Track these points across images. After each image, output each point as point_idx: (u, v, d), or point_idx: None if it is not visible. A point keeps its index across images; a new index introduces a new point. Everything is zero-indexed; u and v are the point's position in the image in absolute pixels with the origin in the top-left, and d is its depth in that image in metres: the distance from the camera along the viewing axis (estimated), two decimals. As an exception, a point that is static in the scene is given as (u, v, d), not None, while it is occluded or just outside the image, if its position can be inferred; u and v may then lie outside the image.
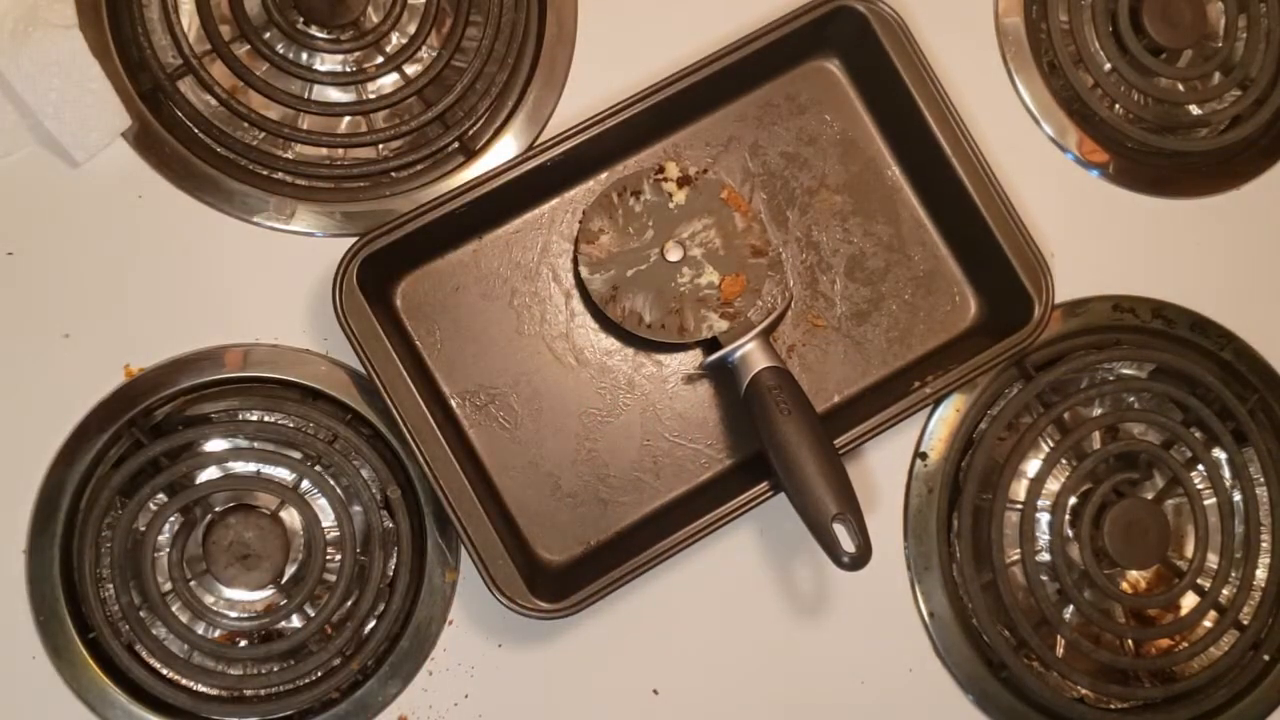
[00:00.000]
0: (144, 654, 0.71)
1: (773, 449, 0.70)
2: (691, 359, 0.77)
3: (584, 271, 0.75)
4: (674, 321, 0.75)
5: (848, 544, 0.68)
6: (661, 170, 0.77)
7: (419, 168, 0.78)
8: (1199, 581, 0.79)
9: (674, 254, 0.76)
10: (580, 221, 0.77)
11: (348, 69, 0.79)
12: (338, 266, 0.70)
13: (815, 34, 0.78)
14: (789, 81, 0.80)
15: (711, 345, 0.76)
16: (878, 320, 0.79)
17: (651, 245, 0.76)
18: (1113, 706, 0.78)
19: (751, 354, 0.73)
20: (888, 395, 0.76)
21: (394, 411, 0.70)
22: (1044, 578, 0.77)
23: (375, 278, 0.72)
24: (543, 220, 0.77)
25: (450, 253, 0.76)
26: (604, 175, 0.78)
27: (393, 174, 0.78)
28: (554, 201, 0.78)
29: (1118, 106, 0.85)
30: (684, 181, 0.76)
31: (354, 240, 0.71)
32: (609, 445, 0.76)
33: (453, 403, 0.75)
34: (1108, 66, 0.85)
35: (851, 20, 0.77)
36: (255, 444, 0.74)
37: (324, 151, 0.78)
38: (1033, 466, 0.80)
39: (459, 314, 0.76)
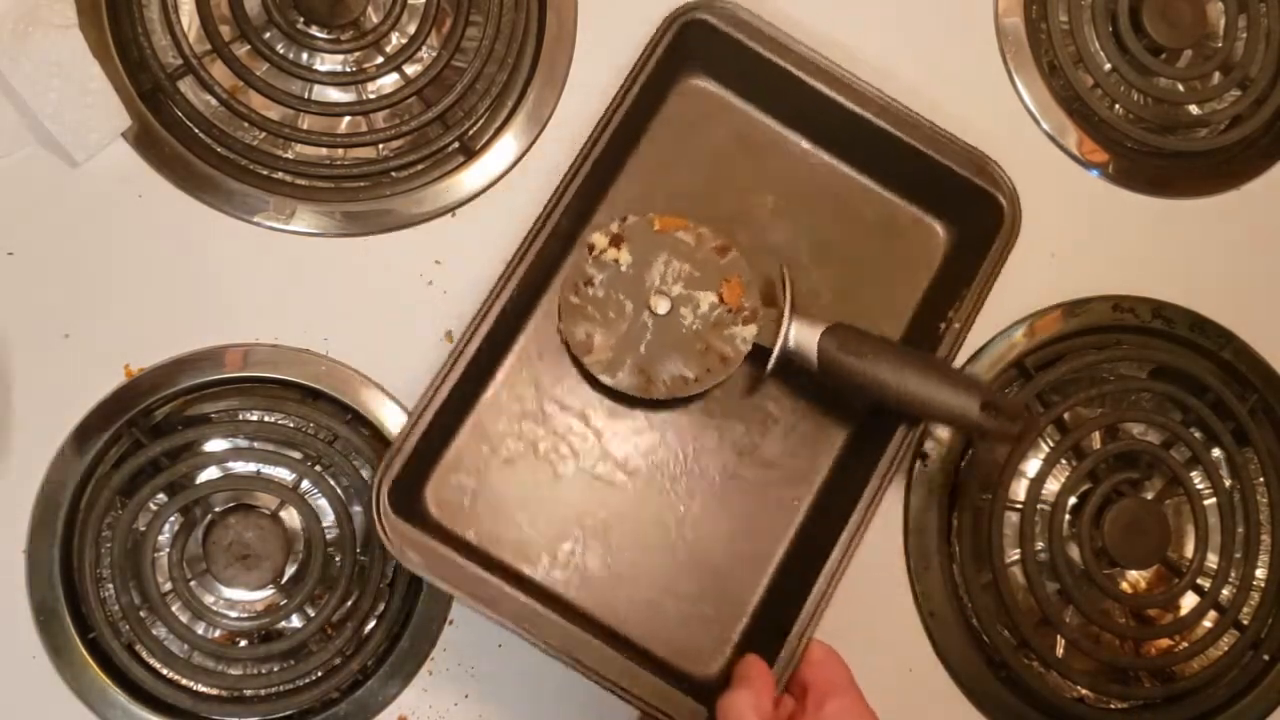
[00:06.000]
0: (144, 654, 0.71)
1: (883, 392, 0.70)
2: (733, 396, 0.76)
3: (607, 380, 0.73)
4: (713, 358, 0.73)
5: (1008, 425, 0.69)
6: (593, 248, 0.74)
7: (419, 168, 0.78)
8: (1199, 581, 0.79)
9: (662, 305, 0.74)
10: (565, 343, 0.74)
11: (348, 69, 0.79)
12: (373, 510, 0.67)
13: (669, 61, 0.76)
14: (666, 118, 0.79)
15: (758, 356, 0.74)
16: (863, 286, 0.78)
17: (638, 313, 0.74)
18: (1113, 706, 0.78)
19: (800, 332, 0.72)
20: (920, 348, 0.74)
21: (498, 621, 0.67)
22: (1044, 578, 0.77)
23: (404, 503, 0.69)
24: (521, 360, 0.75)
25: (454, 440, 0.73)
26: (552, 289, 0.76)
27: (393, 174, 0.78)
28: (521, 340, 0.75)
29: (1118, 106, 0.85)
30: (617, 241, 0.74)
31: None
32: (700, 531, 0.74)
33: (537, 576, 0.72)
34: (1108, 66, 0.85)
35: (698, 31, 0.75)
36: (255, 444, 0.74)
37: (324, 151, 0.78)
38: (1033, 466, 0.80)
39: (493, 491, 0.73)
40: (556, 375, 0.75)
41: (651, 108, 0.78)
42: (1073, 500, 0.79)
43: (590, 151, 0.73)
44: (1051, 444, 0.79)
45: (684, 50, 0.76)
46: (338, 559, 0.73)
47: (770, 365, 0.72)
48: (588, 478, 0.74)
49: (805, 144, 0.79)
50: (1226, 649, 0.79)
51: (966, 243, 0.78)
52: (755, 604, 0.73)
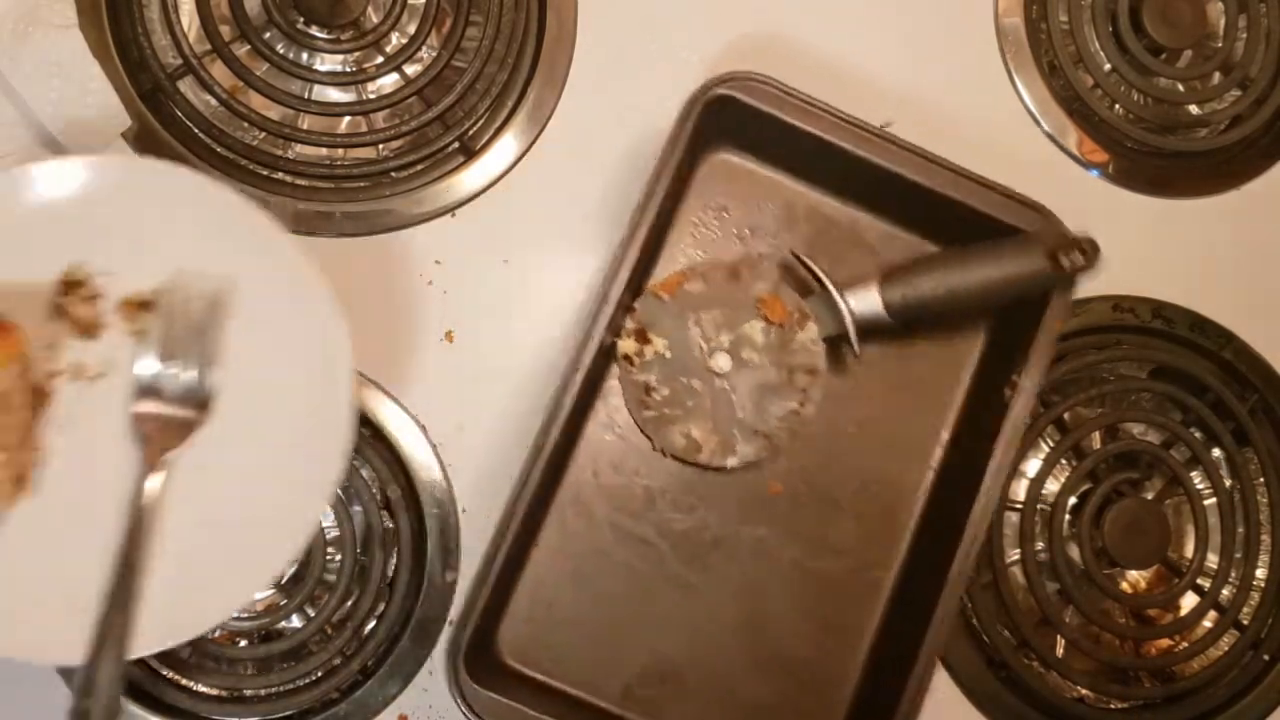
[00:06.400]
0: (144, 654, 0.71)
1: (962, 298, 0.71)
2: (798, 492, 0.74)
3: (732, 462, 0.72)
4: (801, 378, 0.72)
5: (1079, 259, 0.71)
6: (626, 355, 0.72)
7: (419, 168, 0.78)
8: (1198, 581, 0.79)
9: (723, 362, 0.72)
10: (671, 456, 0.72)
11: (348, 69, 0.79)
12: (454, 682, 0.66)
13: (696, 139, 0.73)
14: (697, 195, 0.76)
15: (836, 346, 0.74)
16: (916, 346, 0.76)
17: (708, 383, 0.72)
18: (1113, 706, 0.78)
19: (857, 300, 0.71)
20: (986, 408, 0.73)
21: None
22: (1044, 578, 0.77)
23: (480, 663, 0.68)
24: (579, 483, 0.73)
25: (519, 584, 0.72)
26: (603, 396, 0.73)
27: (393, 174, 0.78)
28: (579, 459, 0.73)
29: (1118, 106, 0.85)
30: (642, 335, 0.72)
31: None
32: (782, 629, 0.73)
33: (618, 707, 0.71)
34: (1108, 66, 0.85)
35: (725, 106, 0.72)
36: (255, 444, 0.74)
37: (324, 151, 0.78)
38: (1033, 466, 0.80)
39: (572, 622, 0.72)
40: (606, 487, 0.73)
41: (678, 192, 0.75)
42: (1072, 500, 0.79)
43: (624, 257, 0.70)
44: (1051, 444, 0.79)
45: (708, 128, 0.73)
46: (338, 559, 0.73)
47: (855, 344, 0.72)
48: (662, 584, 0.73)
49: (842, 205, 0.78)
50: (1226, 649, 0.79)
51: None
52: (851, 692, 0.73)
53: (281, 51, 0.77)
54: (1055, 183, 0.82)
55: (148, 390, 0.61)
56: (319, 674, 0.72)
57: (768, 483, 0.74)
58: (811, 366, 0.73)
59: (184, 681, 0.71)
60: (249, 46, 0.77)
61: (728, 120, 0.73)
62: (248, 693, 0.72)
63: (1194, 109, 0.86)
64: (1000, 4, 0.84)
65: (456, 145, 0.78)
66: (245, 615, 0.72)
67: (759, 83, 0.72)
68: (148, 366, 0.62)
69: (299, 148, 0.78)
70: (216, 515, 0.61)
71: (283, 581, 0.73)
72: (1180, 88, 0.86)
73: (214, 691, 0.71)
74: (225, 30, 0.76)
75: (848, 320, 0.72)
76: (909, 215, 0.77)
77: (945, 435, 0.76)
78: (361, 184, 0.77)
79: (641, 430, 0.73)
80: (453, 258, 0.77)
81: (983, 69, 0.83)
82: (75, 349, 0.62)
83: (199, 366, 0.62)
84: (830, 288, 0.72)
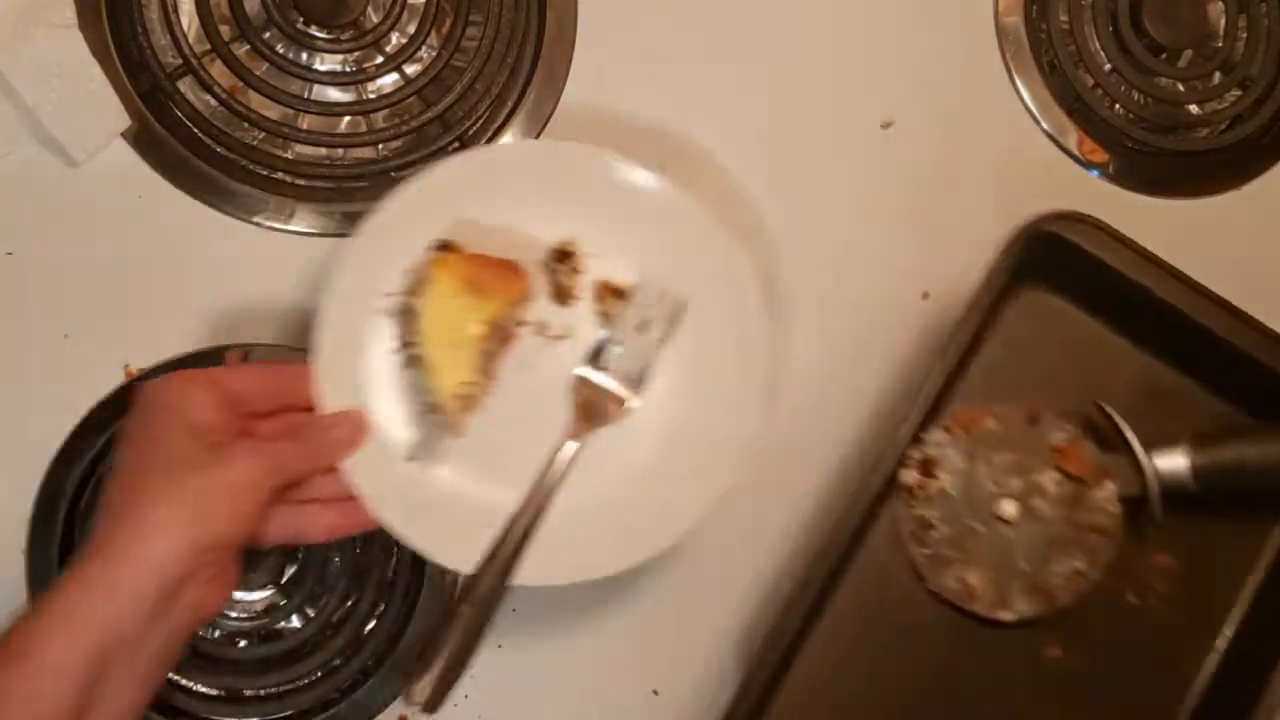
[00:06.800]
0: (144, 654, 0.71)
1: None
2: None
3: (1006, 616, 0.68)
4: (1091, 537, 0.68)
5: None
6: (909, 488, 0.68)
7: (419, 168, 0.78)
8: None
9: (1010, 509, 0.68)
10: (921, 572, 0.69)
11: (348, 69, 0.79)
12: None
13: (1014, 274, 0.70)
14: (1000, 329, 0.72)
15: (1136, 509, 0.69)
16: (1217, 520, 0.72)
17: (991, 529, 0.68)
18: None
19: (1163, 460, 0.67)
20: None
21: None
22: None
23: None
24: (841, 600, 0.70)
25: (773, 707, 0.69)
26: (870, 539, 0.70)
27: (393, 174, 0.78)
28: (845, 581, 0.70)
29: (1118, 106, 0.85)
30: (928, 468, 0.69)
31: None
32: None
33: None
34: (1108, 66, 0.85)
35: (1049, 244, 0.69)
36: (255, 444, 0.74)
37: (324, 151, 0.78)
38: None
39: None
40: (877, 627, 0.70)
41: (983, 324, 0.71)
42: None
43: (922, 388, 0.67)
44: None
45: (1028, 261, 0.70)
46: (337, 559, 0.73)
47: (1156, 509, 0.68)
48: None
49: (1153, 358, 0.74)
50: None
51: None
52: None
53: (281, 51, 0.77)
54: (1055, 183, 0.82)
55: (595, 362, 0.68)
56: (319, 674, 0.72)
57: (1041, 644, 0.70)
58: (1104, 527, 0.68)
59: (184, 681, 0.71)
60: (249, 46, 0.77)
61: (1047, 257, 0.70)
62: (247, 693, 0.72)
63: (1194, 109, 0.86)
64: (1000, 4, 0.84)
65: (456, 145, 0.78)
66: (245, 615, 0.72)
67: (1091, 225, 0.70)
68: (602, 344, 0.69)
69: (299, 148, 0.78)
70: (627, 479, 0.67)
71: (283, 582, 0.73)
72: (1180, 88, 0.86)
73: (214, 691, 0.71)
74: (225, 30, 0.76)
75: (1151, 482, 0.68)
76: (1229, 382, 0.73)
77: (1234, 621, 0.71)
78: (361, 184, 0.78)
79: (914, 567, 0.69)
80: (453, 258, 0.77)
81: (983, 69, 0.83)
82: (546, 309, 0.69)
83: (644, 361, 0.68)
84: (1135, 446, 0.68)
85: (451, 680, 0.63)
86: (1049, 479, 0.69)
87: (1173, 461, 0.68)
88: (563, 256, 0.69)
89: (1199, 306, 0.69)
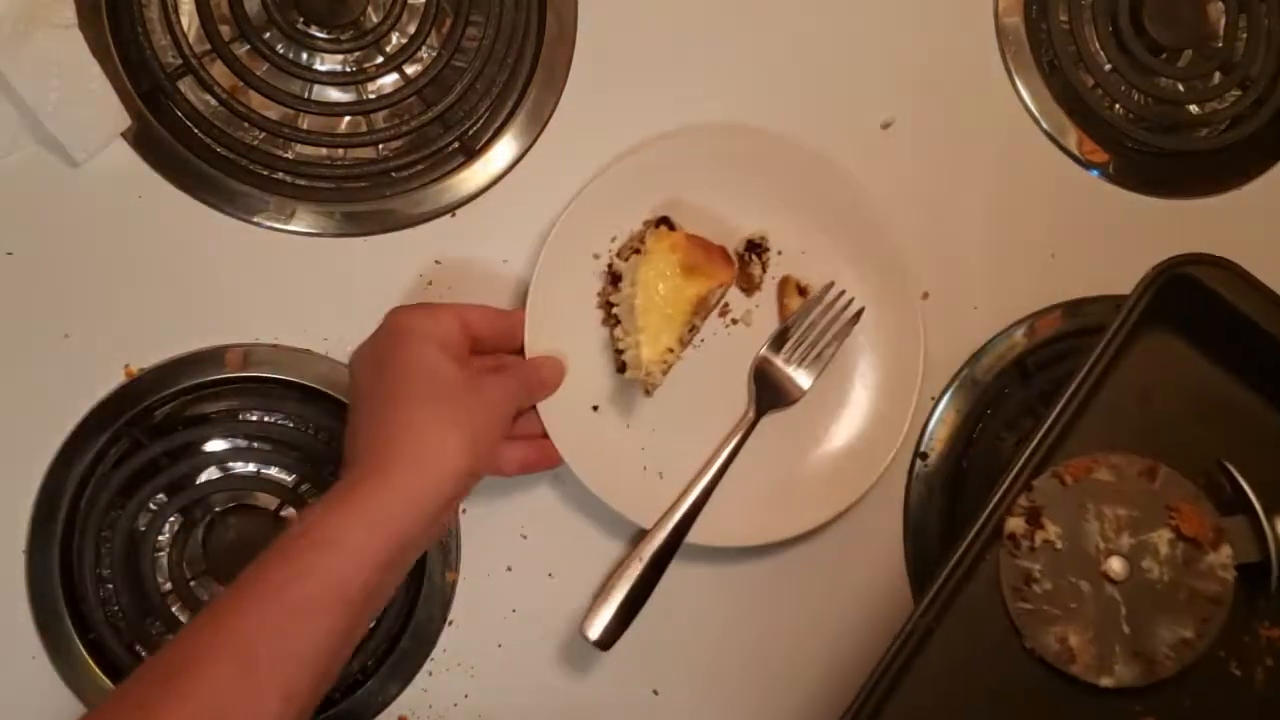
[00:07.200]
0: (144, 654, 0.71)
1: None
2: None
3: (1107, 682, 0.63)
4: (1202, 604, 0.63)
5: None
6: (1013, 536, 0.65)
7: (419, 168, 0.78)
8: None
9: (1119, 568, 0.64)
10: (1018, 627, 0.64)
11: (348, 69, 0.79)
12: None
13: (1143, 319, 0.66)
14: (1121, 374, 0.68)
15: (1247, 577, 0.64)
16: None
17: (1097, 588, 0.64)
18: None
19: None
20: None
21: None
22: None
23: None
24: (932, 652, 0.64)
25: None
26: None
27: (393, 174, 0.78)
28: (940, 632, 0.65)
29: (1118, 106, 0.85)
30: (1034, 516, 0.65)
31: None
32: None
33: None
34: (1108, 66, 0.85)
35: (1183, 287, 0.65)
36: (255, 444, 0.74)
37: (324, 151, 0.78)
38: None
39: None
40: (965, 685, 0.65)
41: (1105, 368, 0.67)
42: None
43: (1037, 431, 0.64)
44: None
45: (1159, 304, 0.67)
46: (338, 559, 0.73)
47: (1275, 581, 0.64)
48: None
49: (1277, 413, 0.69)
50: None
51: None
52: None
53: (281, 51, 0.77)
54: (1055, 183, 0.82)
55: (776, 348, 0.76)
56: (319, 674, 0.72)
57: (1140, 715, 0.65)
58: (1217, 595, 0.64)
59: (184, 681, 0.71)
60: (249, 46, 0.77)
61: (1181, 300, 0.66)
62: (248, 693, 0.72)
63: (1194, 109, 0.86)
64: (1000, 4, 0.84)
65: (456, 145, 0.78)
66: (245, 615, 0.72)
67: (1230, 270, 0.66)
68: (784, 332, 0.76)
69: (299, 148, 0.78)
70: (797, 455, 0.76)
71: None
72: (1180, 88, 0.86)
73: (214, 691, 0.71)
74: (225, 30, 0.76)
75: (1272, 549, 0.63)
76: None
77: None
78: (361, 184, 0.77)
79: (1011, 622, 0.65)
80: (453, 258, 0.77)
81: (983, 69, 0.83)
82: (730, 293, 0.76)
83: (820, 354, 0.75)
84: (1259, 509, 0.64)
85: (624, 624, 0.70)
86: (1162, 538, 0.64)
87: None
88: (755, 248, 0.76)
89: None
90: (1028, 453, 0.65)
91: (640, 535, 0.73)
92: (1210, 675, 0.65)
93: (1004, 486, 0.65)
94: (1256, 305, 0.66)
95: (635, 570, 0.70)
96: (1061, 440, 0.67)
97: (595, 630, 0.69)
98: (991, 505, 0.64)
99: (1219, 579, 0.64)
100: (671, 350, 0.72)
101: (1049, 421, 0.65)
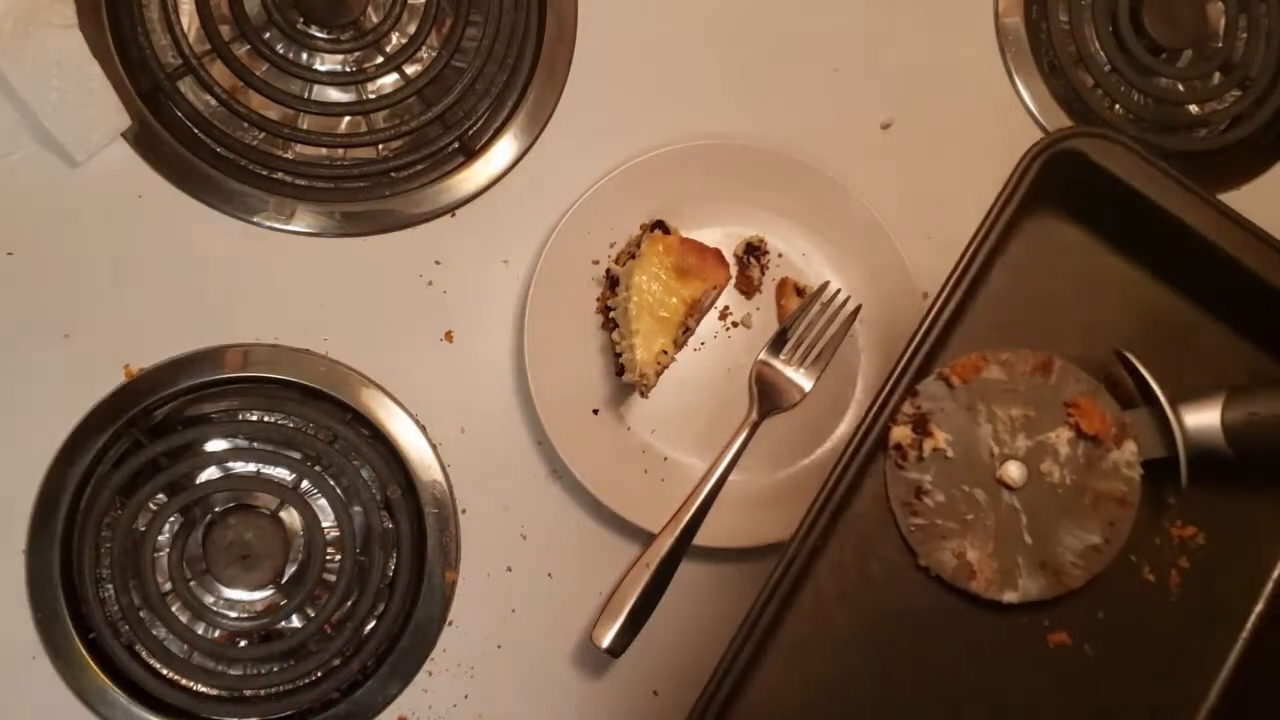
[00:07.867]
0: (144, 654, 0.71)
1: None
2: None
3: (1011, 598, 0.59)
4: (1108, 506, 0.59)
5: None
6: (899, 446, 0.60)
7: (419, 168, 0.78)
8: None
9: (1016, 473, 0.59)
10: (937, 577, 0.60)
11: (348, 69, 0.79)
12: None
13: (1027, 199, 0.61)
14: (1008, 262, 0.62)
15: (1155, 475, 0.60)
16: (1250, 491, 0.63)
17: (994, 497, 0.59)
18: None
19: (1193, 418, 0.58)
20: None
21: None
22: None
23: None
24: (820, 577, 0.60)
25: (746, 692, 0.59)
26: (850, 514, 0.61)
27: (393, 174, 0.78)
28: (824, 555, 0.60)
29: (1118, 106, 0.85)
30: (921, 423, 0.60)
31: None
32: None
33: None
34: (1108, 66, 0.85)
35: (1069, 164, 0.60)
36: (255, 444, 0.74)
37: (324, 151, 0.78)
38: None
39: None
40: (860, 610, 0.60)
41: (989, 258, 0.62)
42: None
43: (919, 330, 0.59)
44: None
45: (1043, 185, 0.61)
46: (337, 559, 0.73)
47: (1184, 474, 0.59)
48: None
49: (1182, 301, 0.64)
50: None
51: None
52: None
53: (281, 51, 0.77)
54: (1055, 183, 0.83)
55: (775, 350, 0.76)
56: (319, 674, 0.72)
57: (1046, 629, 0.61)
58: (1123, 495, 0.59)
59: (184, 681, 0.71)
60: (249, 46, 0.77)
61: (1065, 180, 0.61)
62: (248, 693, 0.72)
63: (1194, 109, 0.86)
64: (1000, 4, 0.84)
65: (456, 145, 0.78)
66: (245, 615, 0.72)
67: (1122, 145, 0.60)
68: (783, 334, 0.76)
69: (299, 148, 0.78)
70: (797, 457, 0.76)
71: (283, 582, 0.73)
72: (1180, 88, 0.86)
73: (214, 691, 0.71)
74: (225, 30, 0.76)
75: (1179, 443, 0.58)
76: (1272, 330, 0.63)
77: (1263, 603, 0.62)
78: (361, 184, 0.78)
79: (904, 540, 0.60)
80: (453, 258, 0.77)
81: (983, 69, 0.83)
82: (729, 295, 0.77)
83: (819, 355, 0.75)
84: (1163, 401, 0.59)
85: (634, 630, 0.70)
86: (1062, 438, 0.60)
87: (1204, 419, 0.59)
88: (754, 251, 0.76)
89: (1242, 243, 0.59)
90: (908, 353, 0.58)
91: (640, 535, 0.73)
92: (1122, 582, 0.61)
93: (884, 392, 0.58)
94: (1150, 180, 0.60)
95: (643, 577, 0.71)
96: (945, 338, 0.61)
97: (606, 639, 0.70)
98: (872, 413, 0.58)
99: (1124, 478, 0.59)
100: (666, 352, 0.72)
101: (929, 317, 0.58)
